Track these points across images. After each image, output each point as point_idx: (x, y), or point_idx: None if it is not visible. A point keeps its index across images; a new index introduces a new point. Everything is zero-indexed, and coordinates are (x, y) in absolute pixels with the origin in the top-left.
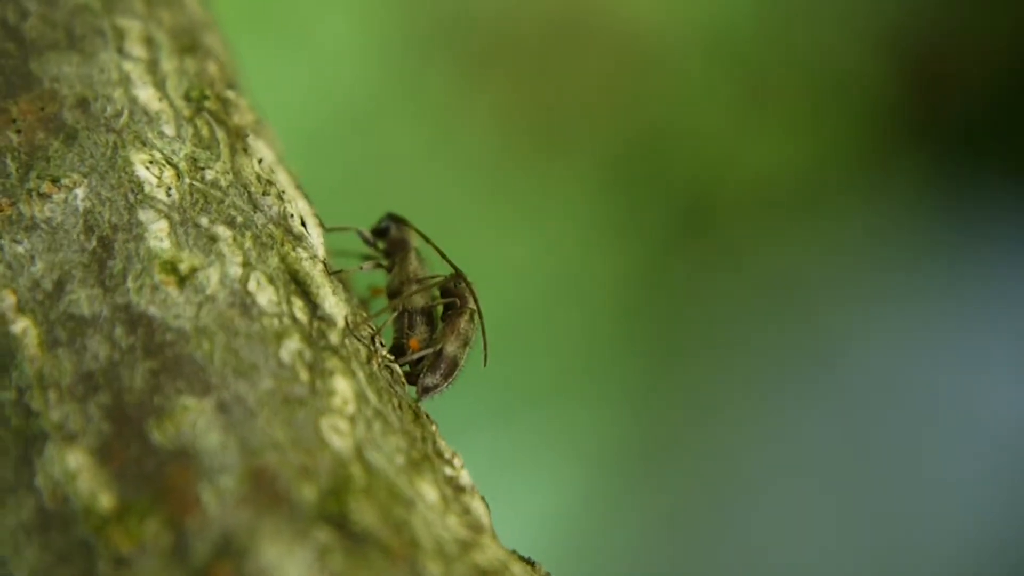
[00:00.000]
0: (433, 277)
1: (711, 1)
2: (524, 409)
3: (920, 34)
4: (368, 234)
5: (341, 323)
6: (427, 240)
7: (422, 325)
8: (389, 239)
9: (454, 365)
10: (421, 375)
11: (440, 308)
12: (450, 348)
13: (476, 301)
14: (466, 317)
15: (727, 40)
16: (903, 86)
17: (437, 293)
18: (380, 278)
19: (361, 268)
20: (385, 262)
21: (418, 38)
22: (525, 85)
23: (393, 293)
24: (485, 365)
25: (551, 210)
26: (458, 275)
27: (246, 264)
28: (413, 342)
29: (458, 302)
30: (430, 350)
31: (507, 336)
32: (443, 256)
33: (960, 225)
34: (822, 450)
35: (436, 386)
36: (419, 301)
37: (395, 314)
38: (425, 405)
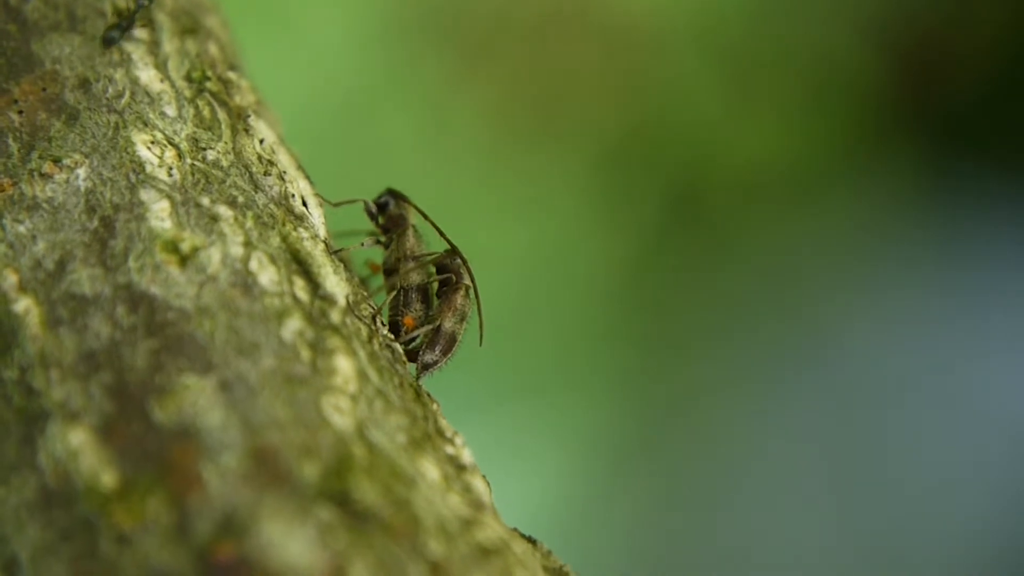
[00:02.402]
0: (429, 254)
1: None
2: (518, 394)
3: (909, 24)
4: (373, 207)
5: (342, 302)
6: (424, 216)
7: (417, 303)
8: (387, 215)
9: (452, 341)
10: (420, 352)
11: (436, 285)
12: (447, 324)
13: (471, 277)
14: (462, 293)
15: (718, 30)
16: (893, 75)
17: (433, 270)
18: (378, 255)
19: (363, 244)
20: (383, 238)
21: (412, 26)
22: (518, 74)
23: (389, 270)
24: (481, 344)
25: (544, 198)
26: (453, 251)
27: (247, 244)
28: (408, 319)
29: (454, 278)
30: (428, 327)
31: (502, 322)
32: (440, 233)
33: (951, 214)
34: (815, 436)
35: (435, 362)
36: (415, 278)
37: (393, 293)
38: (425, 384)
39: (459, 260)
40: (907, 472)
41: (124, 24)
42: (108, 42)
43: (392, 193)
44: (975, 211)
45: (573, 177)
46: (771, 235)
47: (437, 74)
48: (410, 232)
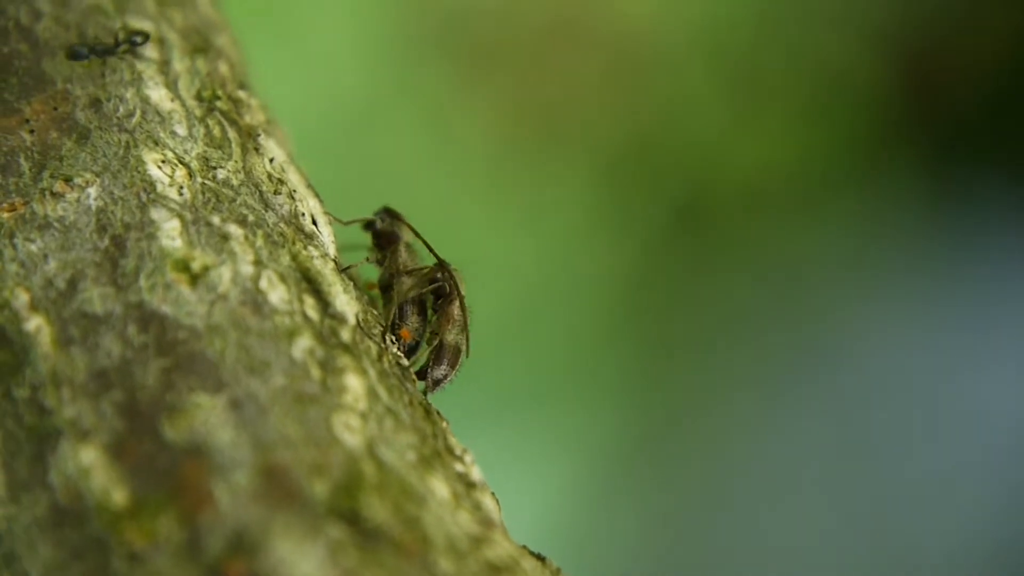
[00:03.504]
0: (419, 268)
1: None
2: (522, 401)
3: (914, 31)
4: (378, 222)
5: (352, 321)
6: (414, 232)
7: (413, 316)
8: (381, 232)
9: (457, 353)
10: (428, 368)
11: (430, 298)
12: (449, 337)
13: (459, 290)
14: (457, 304)
15: (723, 38)
16: (897, 84)
17: (427, 284)
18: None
19: (368, 260)
20: (379, 255)
21: (415, 37)
22: (522, 83)
23: (384, 286)
24: (467, 355)
25: (548, 207)
26: (441, 265)
27: (258, 262)
28: (404, 332)
29: (447, 288)
30: (431, 338)
31: (506, 332)
32: (428, 246)
33: (956, 221)
34: (819, 441)
35: (444, 376)
36: (409, 293)
37: (391, 308)
38: (432, 400)
39: (446, 273)
40: (909, 477)
41: (100, 49)
42: (74, 56)
43: (387, 211)
44: (979, 218)
45: (578, 186)
46: (775, 243)
47: (443, 87)
48: (401, 247)
